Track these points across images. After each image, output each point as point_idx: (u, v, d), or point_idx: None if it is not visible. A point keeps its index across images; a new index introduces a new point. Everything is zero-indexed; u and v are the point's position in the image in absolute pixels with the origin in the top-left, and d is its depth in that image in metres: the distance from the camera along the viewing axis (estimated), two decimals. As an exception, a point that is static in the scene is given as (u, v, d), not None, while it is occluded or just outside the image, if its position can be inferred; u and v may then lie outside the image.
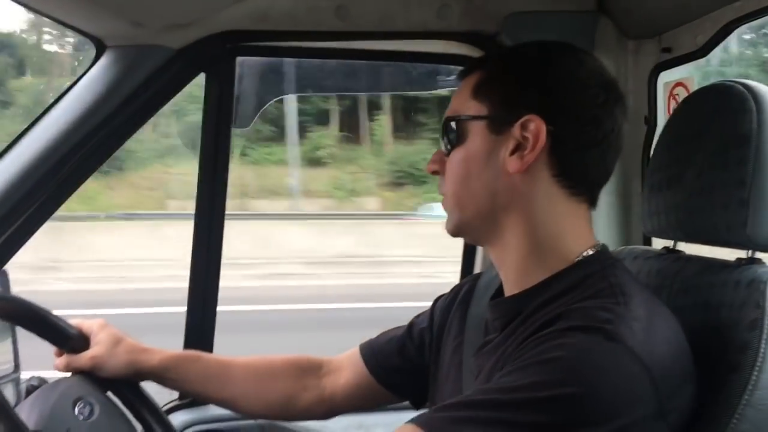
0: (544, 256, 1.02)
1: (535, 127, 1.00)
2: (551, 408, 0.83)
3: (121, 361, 1.32)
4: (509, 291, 1.07)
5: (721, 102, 1.06)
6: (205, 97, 1.71)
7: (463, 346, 1.17)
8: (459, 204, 1.07)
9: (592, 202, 1.05)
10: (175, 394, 1.79)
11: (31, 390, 1.31)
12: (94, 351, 1.31)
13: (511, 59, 1.10)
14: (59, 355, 1.34)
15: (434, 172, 1.11)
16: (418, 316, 1.34)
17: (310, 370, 1.39)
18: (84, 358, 1.31)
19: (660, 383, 0.87)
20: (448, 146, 1.07)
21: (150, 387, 1.39)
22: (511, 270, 1.06)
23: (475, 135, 1.04)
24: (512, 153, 1.01)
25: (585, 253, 1.02)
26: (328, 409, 1.39)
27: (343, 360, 1.39)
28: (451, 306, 1.26)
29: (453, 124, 1.06)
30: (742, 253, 1.04)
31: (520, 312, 1.02)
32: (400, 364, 1.31)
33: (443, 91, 2.11)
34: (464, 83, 1.09)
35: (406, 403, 1.35)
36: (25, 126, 1.55)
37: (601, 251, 1.04)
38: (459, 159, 1.06)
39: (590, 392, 0.84)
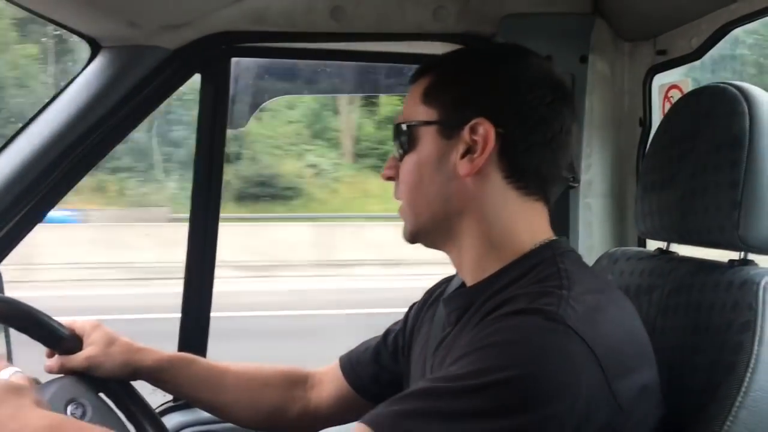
0: (497, 252, 1.03)
1: (484, 130, 1.01)
2: (493, 394, 0.83)
3: (117, 361, 1.31)
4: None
5: (715, 104, 1.06)
6: (200, 97, 1.70)
7: (428, 345, 1.17)
8: (414, 210, 1.07)
9: (546, 200, 1.06)
10: (169, 396, 1.79)
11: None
12: (89, 351, 1.30)
13: (459, 62, 1.10)
14: (50, 356, 1.33)
15: (389, 178, 1.11)
16: (395, 324, 1.35)
17: (299, 381, 1.39)
18: (79, 358, 1.30)
19: (605, 362, 0.86)
20: (400, 151, 1.08)
21: (145, 388, 1.38)
22: (468, 269, 1.07)
23: (426, 140, 1.05)
24: (462, 156, 1.02)
25: (536, 245, 1.02)
26: (314, 422, 1.39)
27: (326, 373, 1.39)
28: (422, 309, 1.27)
29: (404, 129, 1.06)
30: (734, 255, 1.04)
31: (472, 303, 1.03)
32: (376, 372, 1.31)
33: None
34: (414, 87, 1.09)
35: None
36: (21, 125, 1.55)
37: (554, 242, 1.04)
38: (411, 165, 1.06)
39: (531, 373, 0.84)
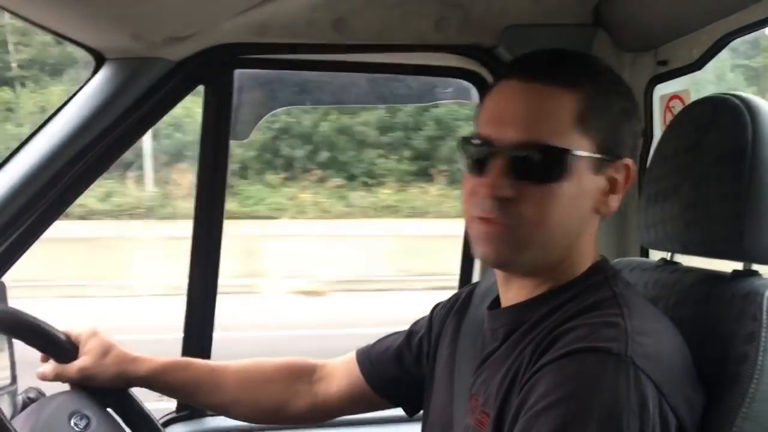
0: (557, 273, 1.02)
1: (628, 170, 1.00)
2: None
3: (110, 372, 1.31)
4: (509, 301, 1.07)
5: (717, 115, 1.06)
6: (203, 109, 1.71)
7: (456, 354, 1.17)
8: (536, 244, 0.98)
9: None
10: (173, 406, 1.79)
11: (27, 402, 1.30)
12: (83, 362, 1.30)
13: (604, 87, 1.00)
14: (45, 360, 1.33)
15: (500, 197, 0.97)
16: (416, 324, 1.34)
17: (303, 375, 1.39)
18: (72, 369, 1.30)
19: (670, 398, 0.87)
20: (535, 175, 0.96)
21: (151, 396, 1.39)
22: (516, 286, 1.05)
23: (577, 173, 0.97)
24: (607, 194, 1.00)
25: (587, 265, 1.02)
26: (320, 415, 1.39)
27: (338, 366, 1.38)
28: (448, 314, 1.26)
29: (549, 152, 0.95)
30: (738, 265, 1.05)
31: (523, 322, 1.02)
32: (397, 373, 1.31)
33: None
34: (555, 102, 0.97)
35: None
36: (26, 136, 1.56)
37: (602, 262, 1.04)
38: (554, 196, 0.96)
39: (609, 419, 0.84)
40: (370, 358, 1.34)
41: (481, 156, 1.00)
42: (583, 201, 0.99)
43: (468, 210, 1.02)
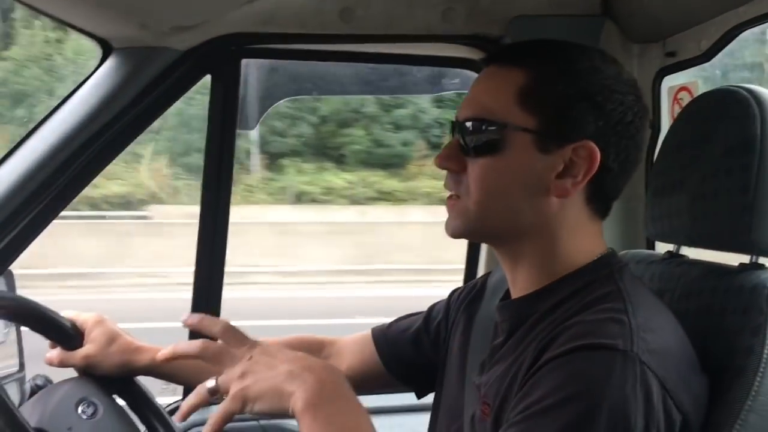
0: (554, 266, 1.02)
1: (589, 154, 0.97)
2: None
3: (114, 361, 1.32)
4: (516, 293, 1.07)
5: (725, 107, 1.06)
6: (210, 99, 1.71)
7: (468, 346, 1.17)
8: (481, 214, 1.01)
9: (606, 215, 1.05)
10: (179, 395, 1.80)
11: (35, 389, 1.31)
12: (87, 350, 1.31)
13: (559, 65, 0.99)
14: (53, 347, 1.34)
15: (447, 169, 1.03)
16: (433, 307, 1.34)
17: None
18: (77, 356, 1.31)
19: (674, 394, 0.87)
20: (475, 148, 0.99)
21: (158, 383, 1.40)
22: (520, 276, 1.05)
23: (517, 147, 0.97)
24: (559, 176, 0.98)
25: (593, 258, 1.02)
26: None
27: (350, 344, 1.38)
28: (464, 302, 1.26)
29: (489, 126, 0.98)
30: (745, 258, 1.04)
31: (527, 316, 1.02)
32: (414, 356, 1.31)
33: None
34: (499, 76, 1.00)
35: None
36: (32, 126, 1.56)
37: (609, 255, 1.04)
38: (493, 169, 0.99)
39: (616, 420, 0.83)
40: (386, 338, 1.33)
41: (450, 136, 1.07)
42: (530, 179, 0.98)
43: None
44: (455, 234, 1.06)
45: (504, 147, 0.98)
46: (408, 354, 1.31)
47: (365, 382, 1.36)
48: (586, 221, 1.02)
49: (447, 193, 1.06)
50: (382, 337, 1.34)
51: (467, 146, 1.01)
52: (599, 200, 1.02)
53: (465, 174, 1.01)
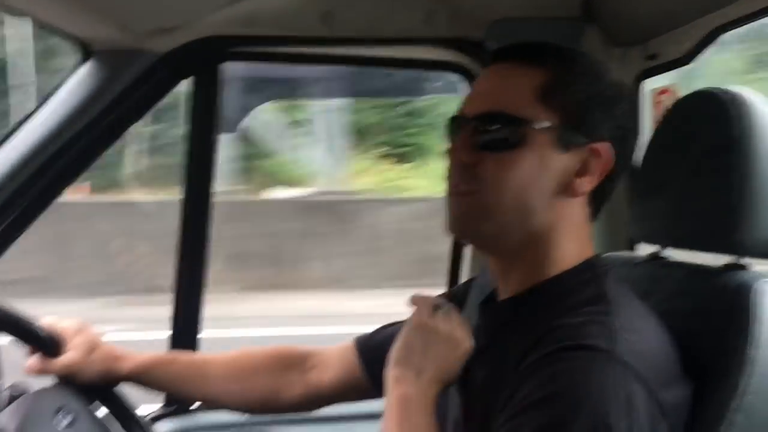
0: (543, 269, 1.01)
1: (605, 154, 0.99)
2: None
3: (95, 369, 1.30)
4: (503, 296, 1.06)
5: (706, 108, 1.06)
6: (191, 102, 1.69)
7: None
8: (496, 210, 0.99)
9: (596, 217, 1.05)
10: (161, 402, 1.78)
11: (12, 399, 1.29)
12: (68, 358, 1.29)
13: (579, 67, 1.01)
14: (32, 353, 1.31)
15: (465, 164, 1.00)
16: None
17: (294, 364, 1.37)
18: (57, 364, 1.29)
19: (657, 395, 0.87)
20: (494, 143, 0.98)
21: (138, 391, 1.38)
22: (513, 278, 1.04)
23: (537, 144, 0.97)
24: (578, 175, 0.99)
25: (579, 261, 1.02)
26: (312, 403, 1.38)
27: (333, 354, 1.37)
28: None
29: (508, 121, 0.97)
30: (728, 259, 1.05)
31: (509, 319, 1.02)
32: None
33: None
34: (519, 77, 0.99)
35: None
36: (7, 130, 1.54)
37: (593, 260, 1.04)
38: (512, 163, 0.97)
39: (597, 420, 0.83)
40: (369, 348, 1.32)
41: (452, 131, 1.04)
42: (546, 177, 0.98)
43: (446, 186, 1.04)
44: (465, 232, 1.04)
45: (525, 143, 0.97)
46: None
47: (350, 392, 1.35)
48: (583, 223, 1.03)
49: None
50: (365, 346, 1.33)
51: (484, 140, 0.99)
52: (597, 202, 1.03)
53: (478, 168, 0.99)
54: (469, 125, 1.00)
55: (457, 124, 1.03)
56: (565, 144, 0.98)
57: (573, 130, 0.98)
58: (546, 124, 0.97)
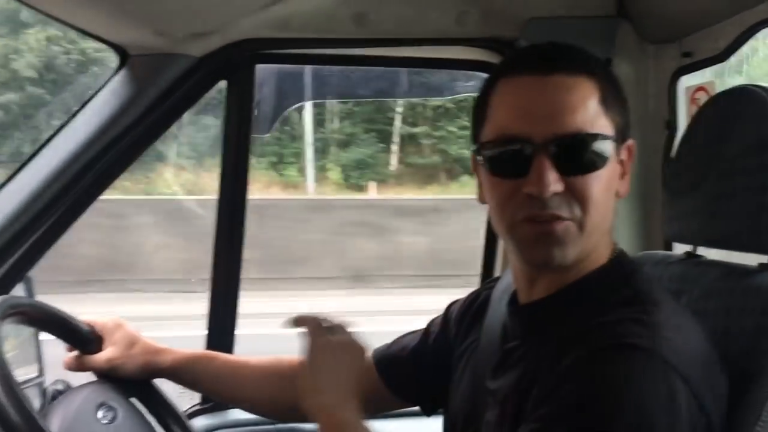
0: (579, 268, 1.00)
1: (630, 150, 1.02)
2: None
3: (137, 363, 1.33)
4: (526, 297, 1.05)
5: (742, 107, 1.05)
6: (225, 104, 1.72)
7: (478, 351, 1.16)
8: (594, 232, 0.97)
9: None
10: (197, 398, 1.81)
11: (55, 395, 1.32)
12: (110, 353, 1.32)
13: (608, 73, 1.03)
14: (70, 350, 1.35)
15: (557, 193, 0.94)
16: (431, 323, 1.33)
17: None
18: (100, 360, 1.32)
19: (697, 393, 0.86)
20: (584, 165, 0.95)
21: (176, 388, 1.40)
22: (543, 280, 1.02)
23: (612, 157, 0.98)
24: (621, 177, 1.01)
25: (606, 259, 1.01)
26: None
27: None
28: (467, 313, 1.25)
29: (593, 140, 0.95)
30: (764, 259, 1.03)
31: (543, 319, 1.01)
32: (415, 373, 1.30)
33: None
34: (582, 90, 0.96)
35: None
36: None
37: (621, 255, 1.03)
38: (603, 182, 0.96)
39: (640, 419, 0.83)
40: (387, 359, 1.32)
41: (518, 156, 0.95)
42: (613, 185, 1.00)
43: (507, 214, 0.98)
44: (566, 261, 0.97)
45: (607, 159, 0.97)
46: (409, 372, 1.30)
47: (369, 404, 1.34)
48: (611, 222, 1.03)
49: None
50: (383, 358, 1.33)
51: (568, 164, 0.94)
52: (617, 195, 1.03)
53: (569, 194, 0.95)
54: (547, 150, 0.94)
55: (527, 149, 0.95)
56: (618, 149, 0.99)
57: (623, 134, 1.00)
58: (613, 136, 0.98)
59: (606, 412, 0.83)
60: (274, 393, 1.37)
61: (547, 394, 0.89)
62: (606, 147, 0.96)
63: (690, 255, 1.18)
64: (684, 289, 1.11)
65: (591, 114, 0.95)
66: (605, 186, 0.97)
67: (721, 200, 1.04)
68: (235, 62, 1.66)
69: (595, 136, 0.95)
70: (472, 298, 1.28)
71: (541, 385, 0.91)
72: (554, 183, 0.93)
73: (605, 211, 0.98)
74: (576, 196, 0.94)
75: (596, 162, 0.95)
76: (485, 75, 1.81)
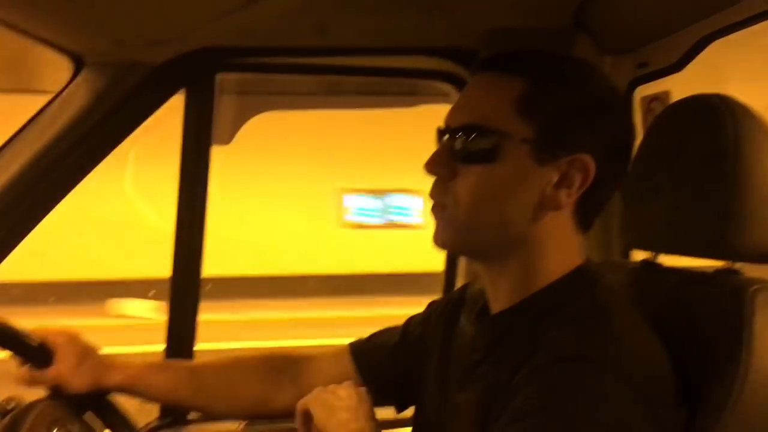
0: (534, 279, 1.01)
1: (584, 166, 0.96)
2: None
3: (85, 380, 1.28)
4: (496, 308, 1.06)
5: (698, 115, 1.07)
6: (184, 114, 1.70)
7: (447, 359, 1.16)
8: (470, 225, 0.99)
9: (589, 227, 1.04)
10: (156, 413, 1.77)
11: (4, 413, 1.28)
12: (58, 368, 1.27)
13: (557, 76, 0.99)
14: (22, 365, 1.30)
15: (436, 174, 1.00)
16: (410, 320, 1.32)
17: (285, 368, 1.36)
18: (47, 375, 1.27)
19: (651, 402, 0.87)
20: (470, 156, 0.97)
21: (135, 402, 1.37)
22: (502, 290, 1.03)
23: (513, 157, 0.96)
24: (556, 187, 0.97)
25: (566, 272, 1.01)
26: None
27: (325, 360, 1.36)
28: (441, 316, 1.24)
29: (485, 133, 0.96)
30: (721, 264, 1.05)
31: (505, 332, 1.01)
32: (392, 371, 1.29)
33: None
34: (499, 87, 0.98)
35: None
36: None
37: (585, 266, 1.03)
38: (487, 177, 0.97)
39: (588, 428, 0.83)
40: (365, 355, 1.32)
41: (437, 143, 1.03)
42: (524, 190, 0.97)
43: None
44: (445, 245, 1.03)
45: (501, 156, 0.96)
46: (386, 369, 1.30)
47: None
48: (571, 234, 1.02)
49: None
50: (360, 352, 1.33)
51: (460, 153, 0.98)
52: (586, 213, 1.02)
53: (453, 182, 0.99)
54: (448, 137, 1.00)
55: (438, 135, 1.02)
56: (543, 157, 0.96)
57: (551, 143, 0.96)
58: (523, 136, 0.96)
59: (557, 423, 0.84)
60: (236, 392, 1.35)
61: (504, 405, 0.89)
62: (502, 144, 0.95)
63: (648, 262, 1.20)
64: (643, 296, 1.12)
65: (496, 109, 0.96)
66: (496, 182, 0.96)
67: (679, 208, 1.06)
68: (194, 71, 1.64)
69: (489, 130, 0.96)
70: (449, 300, 1.27)
71: (500, 398, 0.92)
72: (439, 165, 0.99)
73: (501, 210, 0.97)
74: (461, 183, 0.98)
75: (482, 157, 0.96)
76: (446, 85, 1.86)
